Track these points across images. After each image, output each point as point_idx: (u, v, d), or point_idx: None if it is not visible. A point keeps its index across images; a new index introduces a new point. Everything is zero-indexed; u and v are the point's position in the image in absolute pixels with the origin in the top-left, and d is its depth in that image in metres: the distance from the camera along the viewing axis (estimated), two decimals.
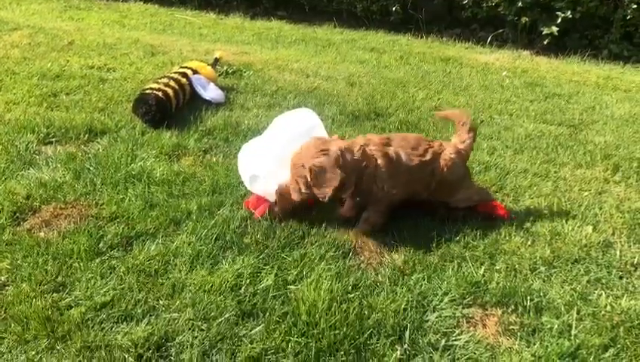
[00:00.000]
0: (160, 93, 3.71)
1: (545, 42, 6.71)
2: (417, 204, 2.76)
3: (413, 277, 2.34)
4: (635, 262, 2.54)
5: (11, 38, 5.75)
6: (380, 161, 2.54)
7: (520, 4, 6.64)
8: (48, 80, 4.47)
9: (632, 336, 2.09)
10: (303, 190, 2.51)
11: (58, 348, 1.91)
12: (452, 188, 2.72)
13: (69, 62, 4.98)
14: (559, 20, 6.52)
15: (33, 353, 1.89)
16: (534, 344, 2.04)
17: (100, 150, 3.31)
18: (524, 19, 6.73)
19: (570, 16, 6.47)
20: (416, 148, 2.62)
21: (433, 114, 4.17)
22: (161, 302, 2.13)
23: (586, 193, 3.13)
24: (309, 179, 2.46)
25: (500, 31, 7.13)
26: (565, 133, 4.06)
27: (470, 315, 2.18)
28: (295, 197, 2.57)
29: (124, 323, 2.03)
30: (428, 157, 2.62)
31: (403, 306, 2.16)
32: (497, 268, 2.44)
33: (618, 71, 6.14)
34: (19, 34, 5.89)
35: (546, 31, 6.64)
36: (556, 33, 6.58)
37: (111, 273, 2.27)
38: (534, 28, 6.82)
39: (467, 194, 2.77)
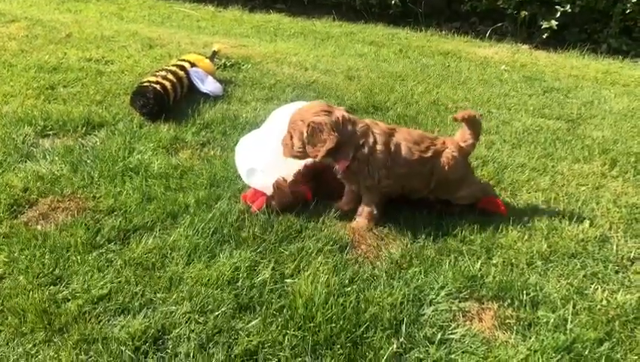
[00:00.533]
0: (158, 86, 3.69)
1: (544, 36, 6.70)
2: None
3: (410, 271, 2.34)
4: (632, 257, 2.54)
5: (8, 30, 5.72)
6: (378, 147, 2.53)
7: None
8: (46, 72, 4.45)
9: (628, 330, 2.10)
10: (297, 146, 2.49)
11: (55, 340, 1.91)
12: (454, 186, 2.71)
13: (66, 55, 4.96)
14: (558, 14, 6.51)
15: (30, 346, 1.89)
16: (530, 338, 2.04)
17: (98, 143, 3.30)
18: (523, 13, 6.71)
19: (570, 10, 6.46)
20: (418, 144, 2.61)
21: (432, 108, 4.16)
22: (158, 296, 2.13)
23: (583, 188, 3.14)
24: (304, 136, 2.45)
25: (500, 24, 7.11)
26: (563, 128, 4.06)
27: (466, 309, 2.18)
28: (286, 153, 2.55)
29: (122, 316, 2.03)
30: (429, 154, 2.61)
31: (400, 300, 2.16)
32: (494, 262, 2.44)
33: (617, 65, 6.14)
34: (16, 26, 5.87)
35: (545, 25, 6.63)
36: (555, 27, 6.57)
37: (108, 266, 2.27)
38: (534, 22, 6.81)
39: (470, 191, 2.77)
